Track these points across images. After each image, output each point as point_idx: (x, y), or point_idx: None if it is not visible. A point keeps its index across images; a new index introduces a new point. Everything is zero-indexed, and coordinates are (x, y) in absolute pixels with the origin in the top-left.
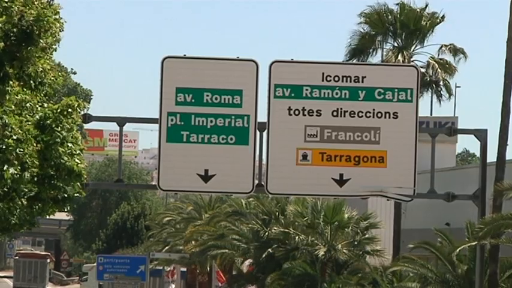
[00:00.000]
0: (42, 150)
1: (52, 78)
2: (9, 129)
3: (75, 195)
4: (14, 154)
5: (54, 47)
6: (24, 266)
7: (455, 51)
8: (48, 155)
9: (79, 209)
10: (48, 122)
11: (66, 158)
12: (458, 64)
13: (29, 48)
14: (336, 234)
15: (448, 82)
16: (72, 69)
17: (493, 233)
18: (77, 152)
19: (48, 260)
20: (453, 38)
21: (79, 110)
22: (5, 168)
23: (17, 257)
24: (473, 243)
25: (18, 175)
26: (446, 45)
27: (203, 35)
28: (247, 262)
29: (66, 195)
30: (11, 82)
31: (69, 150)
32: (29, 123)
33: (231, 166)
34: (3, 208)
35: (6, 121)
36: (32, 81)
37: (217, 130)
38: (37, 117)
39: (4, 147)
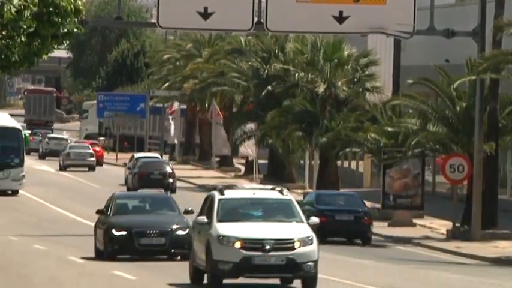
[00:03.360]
0: None
1: None
2: None
3: (74, 30)
4: None
5: None
6: (34, 101)
7: None
8: None
9: (78, 46)
10: None
11: None
12: None
13: None
14: (335, 71)
15: None
16: None
17: (492, 68)
18: None
19: (55, 95)
20: None
21: None
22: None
23: (26, 93)
24: (473, 78)
25: (21, 11)
26: None
27: None
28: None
29: (65, 31)
30: None
31: None
32: None
33: (230, 3)
34: (2, 46)
35: None
36: None
37: None
38: None
39: None
